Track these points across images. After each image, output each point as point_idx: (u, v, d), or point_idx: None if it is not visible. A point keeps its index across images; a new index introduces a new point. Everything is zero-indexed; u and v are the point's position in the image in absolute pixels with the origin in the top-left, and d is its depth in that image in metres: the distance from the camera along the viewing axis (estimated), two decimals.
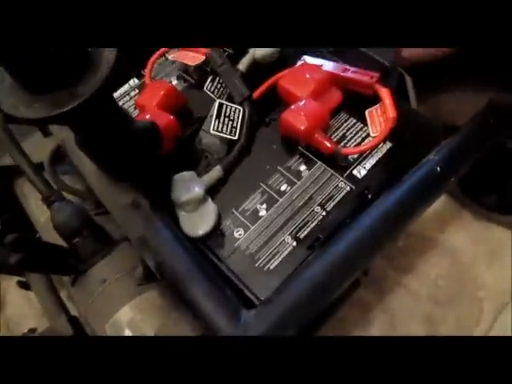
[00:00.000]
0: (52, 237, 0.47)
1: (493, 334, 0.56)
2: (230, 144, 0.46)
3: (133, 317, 0.43)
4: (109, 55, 0.28)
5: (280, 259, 0.40)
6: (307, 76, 0.46)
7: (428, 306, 0.59)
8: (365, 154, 0.44)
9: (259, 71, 0.50)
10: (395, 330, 0.58)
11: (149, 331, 0.42)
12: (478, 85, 0.53)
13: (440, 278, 0.60)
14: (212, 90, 0.50)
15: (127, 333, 0.43)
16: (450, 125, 0.46)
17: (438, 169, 0.39)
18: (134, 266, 0.45)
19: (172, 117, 0.45)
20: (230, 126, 0.45)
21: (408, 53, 0.48)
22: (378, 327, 0.59)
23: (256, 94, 0.48)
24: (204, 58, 0.51)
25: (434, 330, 0.57)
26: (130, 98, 0.53)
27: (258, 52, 0.50)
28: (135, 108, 0.50)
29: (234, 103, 0.46)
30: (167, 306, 0.44)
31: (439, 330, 0.57)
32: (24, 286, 0.61)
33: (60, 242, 0.45)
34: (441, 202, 0.65)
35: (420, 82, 0.51)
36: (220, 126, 0.45)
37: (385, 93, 0.44)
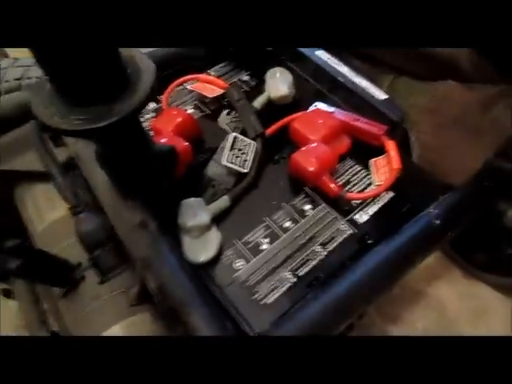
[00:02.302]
0: (47, 248, 0.46)
1: None
2: (238, 177, 0.47)
3: None
4: (146, 77, 0.30)
5: (278, 294, 0.40)
6: (320, 121, 0.48)
7: None
8: (368, 201, 0.46)
9: (273, 111, 0.53)
10: None
11: None
12: (475, 147, 0.57)
13: (425, 330, 0.61)
14: (226, 122, 0.52)
15: None
16: (445, 182, 0.48)
17: (437, 222, 0.41)
18: (128, 285, 0.45)
19: (187, 143, 0.46)
20: (241, 159, 0.46)
21: None
22: None
23: (269, 132, 0.50)
24: (222, 91, 0.53)
25: None
26: (145, 120, 0.55)
27: (274, 93, 0.52)
28: (149, 130, 0.52)
29: (247, 137, 0.48)
30: (158, 331, 0.44)
31: None
32: (6, 294, 0.59)
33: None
34: (431, 256, 0.66)
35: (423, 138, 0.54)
36: (232, 157, 0.46)
37: (391, 145, 0.47)
